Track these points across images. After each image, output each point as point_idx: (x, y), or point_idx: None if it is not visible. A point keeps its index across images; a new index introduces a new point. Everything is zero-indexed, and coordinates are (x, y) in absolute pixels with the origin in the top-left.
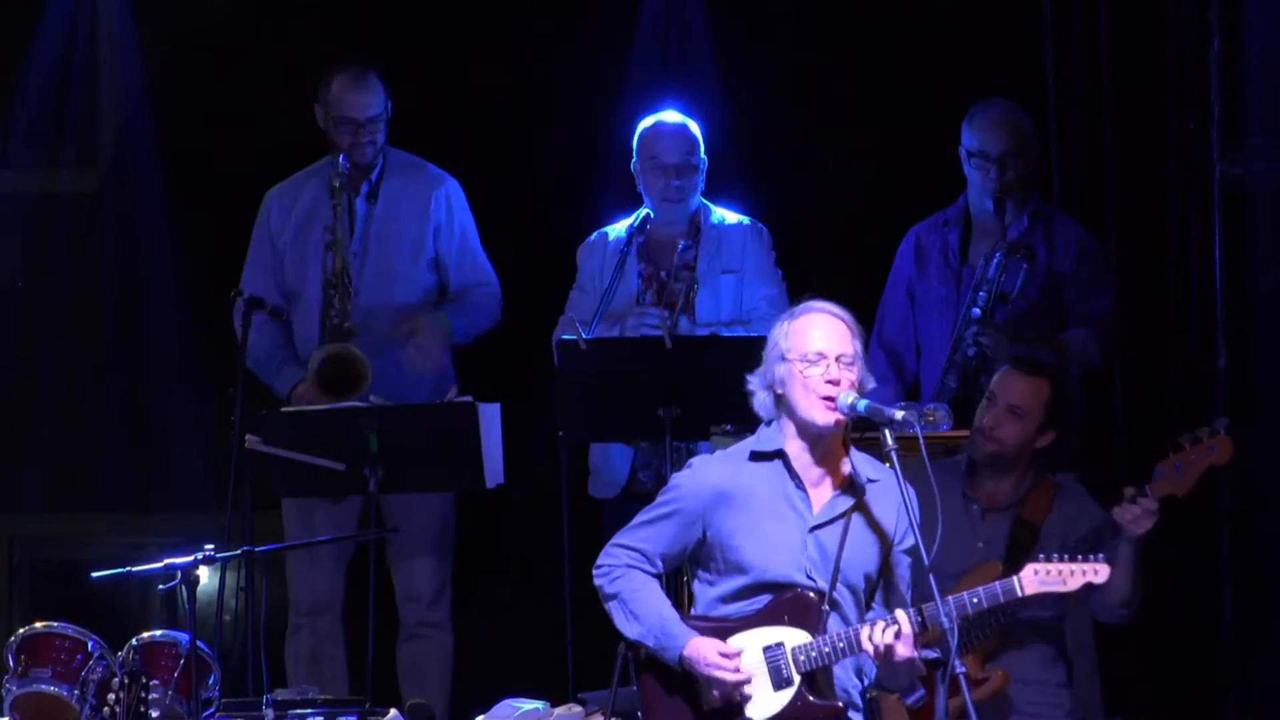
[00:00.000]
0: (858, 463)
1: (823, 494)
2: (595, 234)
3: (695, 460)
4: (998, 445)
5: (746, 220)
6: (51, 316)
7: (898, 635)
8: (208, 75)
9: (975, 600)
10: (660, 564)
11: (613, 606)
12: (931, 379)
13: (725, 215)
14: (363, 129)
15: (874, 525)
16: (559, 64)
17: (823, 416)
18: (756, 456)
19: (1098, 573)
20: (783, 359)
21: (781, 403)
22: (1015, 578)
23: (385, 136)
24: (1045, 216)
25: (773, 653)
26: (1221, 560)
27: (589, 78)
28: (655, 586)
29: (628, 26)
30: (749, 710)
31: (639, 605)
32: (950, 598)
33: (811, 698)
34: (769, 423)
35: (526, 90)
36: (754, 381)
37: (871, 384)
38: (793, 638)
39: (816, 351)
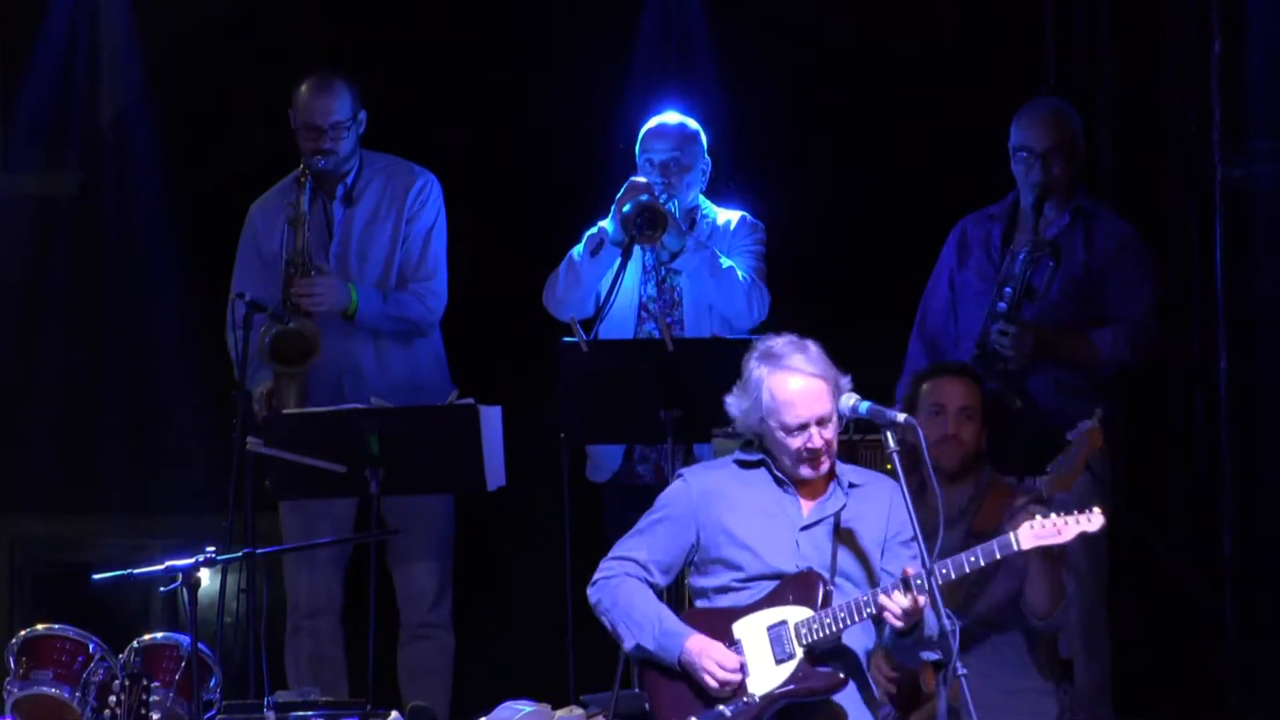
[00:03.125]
0: (842, 469)
1: (810, 497)
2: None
3: (685, 470)
4: (963, 447)
5: (741, 214)
6: (52, 317)
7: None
8: (208, 76)
9: (973, 559)
10: (656, 572)
11: (610, 617)
12: None
13: (722, 213)
14: (324, 135)
15: (864, 526)
16: (560, 65)
17: (808, 472)
18: (743, 464)
19: (1090, 521)
20: (763, 420)
21: (762, 440)
22: (1012, 534)
23: (354, 145)
24: (1088, 213)
25: (776, 630)
26: (1222, 560)
27: (590, 79)
28: (650, 593)
29: (629, 27)
30: (750, 685)
31: (636, 611)
32: (949, 559)
33: (813, 667)
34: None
35: (528, 91)
36: (733, 406)
37: (845, 380)
38: (796, 615)
39: (798, 424)
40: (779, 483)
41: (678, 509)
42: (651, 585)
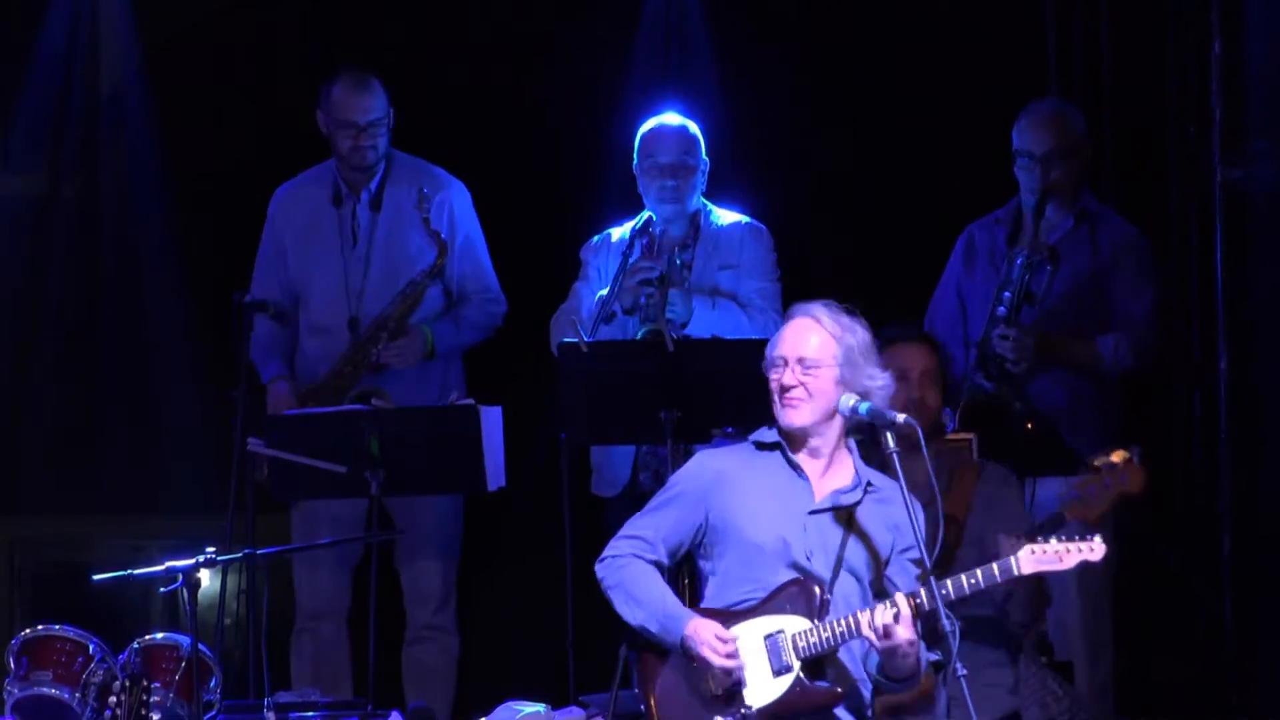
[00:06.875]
0: (861, 468)
1: (824, 485)
2: (599, 235)
3: (699, 452)
4: (929, 412)
5: (746, 220)
6: (52, 318)
7: (896, 618)
8: (208, 75)
9: (973, 581)
10: (663, 551)
11: (614, 595)
12: None
13: (725, 215)
14: (364, 132)
15: (876, 526)
16: (560, 67)
17: (783, 417)
18: (759, 446)
19: (1094, 550)
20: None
21: None
22: (1012, 558)
23: (388, 141)
24: (1093, 216)
25: (773, 640)
26: (1222, 560)
27: (590, 80)
28: (657, 574)
29: (629, 28)
30: (748, 697)
31: (641, 591)
32: (949, 580)
33: (810, 683)
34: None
35: (528, 93)
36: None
37: (881, 381)
38: (793, 625)
39: (780, 356)
40: (793, 466)
41: (689, 488)
42: (657, 564)
